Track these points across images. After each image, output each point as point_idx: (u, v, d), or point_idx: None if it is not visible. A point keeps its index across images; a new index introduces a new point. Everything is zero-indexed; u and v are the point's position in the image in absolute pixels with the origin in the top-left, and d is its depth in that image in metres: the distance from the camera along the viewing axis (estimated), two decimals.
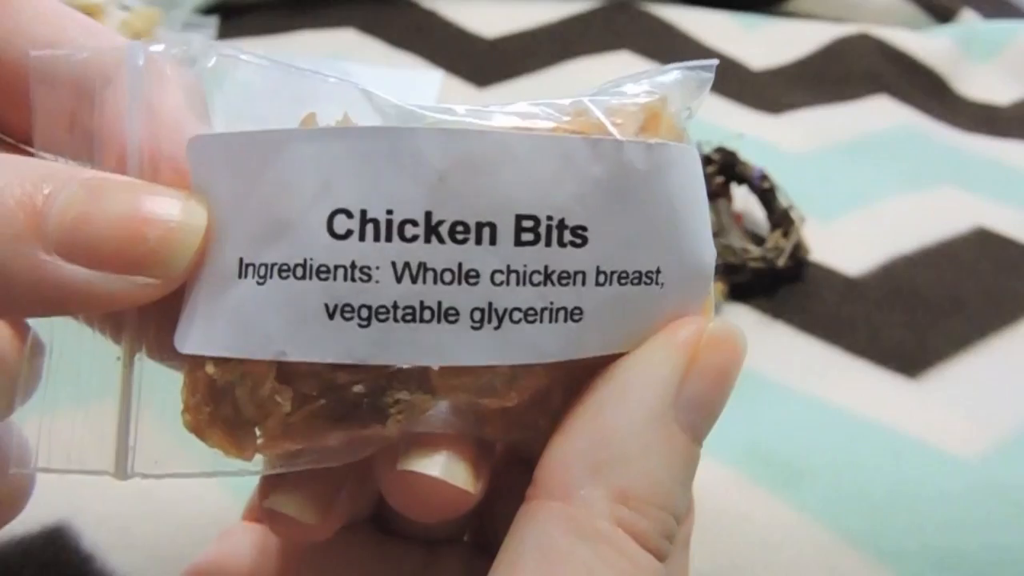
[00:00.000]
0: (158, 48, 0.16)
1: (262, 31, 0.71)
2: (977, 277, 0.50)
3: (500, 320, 0.15)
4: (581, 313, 0.15)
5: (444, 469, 0.16)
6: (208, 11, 0.71)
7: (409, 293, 0.14)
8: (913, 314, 0.47)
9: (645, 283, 0.16)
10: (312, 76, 0.16)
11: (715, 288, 0.50)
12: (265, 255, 0.15)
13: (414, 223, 0.14)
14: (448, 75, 0.67)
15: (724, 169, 0.51)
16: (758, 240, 0.50)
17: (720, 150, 0.52)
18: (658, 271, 0.16)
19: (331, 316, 0.14)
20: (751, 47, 0.75)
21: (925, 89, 0.71)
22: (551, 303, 0.15)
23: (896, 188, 0.57)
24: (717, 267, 0.49)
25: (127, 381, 0.16)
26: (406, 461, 0.16)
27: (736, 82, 0.69)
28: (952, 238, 0.53)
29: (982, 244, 0.53)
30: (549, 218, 0.15)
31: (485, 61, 0.70)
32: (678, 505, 0.16)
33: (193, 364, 0.15)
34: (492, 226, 0.15)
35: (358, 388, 0.15)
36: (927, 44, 0.75)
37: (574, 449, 0.15)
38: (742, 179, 0.52)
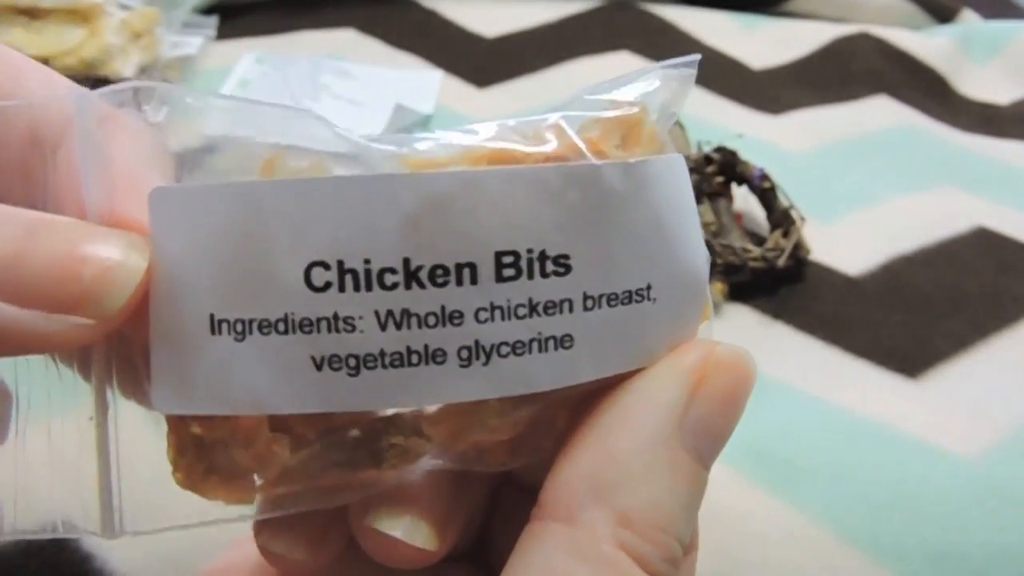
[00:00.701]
0: (107, 93, 0.15)
1: (262, 31, 0.71)
2: (977, 277, 0.50)
3: (488, 356, 0.15)
4: (572, 340, 0.15)
5: (406, 531, 0.16)
6: (208, 11, 0.71)
7: (395, 340, 0.14)
8: (913, 314, 0.47)
9: (636, 301, 0.15)
10: (268, 108, 0.15)
11: (715, 288, 0.50)
12: (240, 311, 0.14)
13: (393, 271, 0.14)
14: (448, 75, 0.67)
15: (724, 169, 0.51)
16: (758, 240, 0.50)
17: (720, 150, 0.52)
18: (648, 287, 0.16)
19: (319, 368, 0.14)
20: (751, 47, 0.75)
21: (925, 89, 0.71)
22: (539, 334, 0.15)
23: (896, 188, 0.57)
24: (717, 267, 0.49)
25: (103, 437, 0.15)
26: (372, 517, 0.17)
27: (736, 82, 0.69)
28: (952, 238, 0.53)
29: (982, 244, 0.53)
30: (529, 251, 0.15)
31: (485, 61, 0.70)
32: (682, 530, 0.15)
33: (176, 424, 0.15)
34: (472, 266, 0.14)
35: (354, 433, 0.15)
36: (927, 44, 0.75)
37: (578, 471, 0.15)
38: (742, 179, 0.52)
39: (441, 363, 0.15)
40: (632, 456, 0.15)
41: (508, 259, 0.15)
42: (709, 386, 0.16)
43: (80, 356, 0.15)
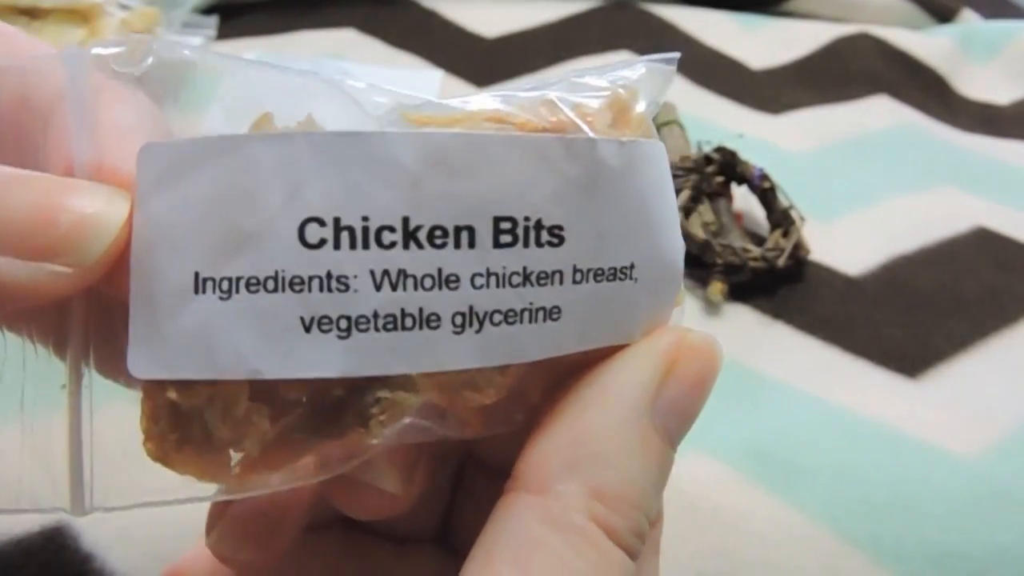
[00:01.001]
0: (100, 51, 0.15)
1: (262, 31, 0.71)
2: (977, 277, 0.50)
3: (481, 323, 0.15)
4: (559, 312, 0.15)
5: (373, 475, 0.17)
6: (208, 11, 0.71)
7: (389, 301, 0.14)
8: (913, 314, 0.47)
9: (620, 279, 0.16)
10: (275, 69, 0.15)
11: (715, 288, 0.50)
12: (228, 268, 0.14)
13: (391, 229, 0.14)
14: (448, 75, 0.67)
15: (724, 169, 0.51)
16: (758, 240, 0.50)
17: (720, 150, 0.52)
18: (632, 266, 0.16)
19: (307, 329, 0.14)
20: (751, 47, 0.75)
21: (925, 89, 0.71)
22: (530, 303, 0.15)
23: (896, 188, 0.57)
24: (717, 267, 0.49)
25: (75, 405, 0.15)
26: None
27: (736, 82, 0.69)
28: (952, 238, 0.53)
29: (982, 244, 0.53)
30: (527, 219, 0.15)
31: (485, 61, 0.70)
32: (651, 506, 0.16)
33: (152, 389, 0.14)
34: (471, 229, 0.14)
35: (338, 392, 0.15)
36: (927, 44, 0.75)
37: (554, 445, 0.16)
38: (742, 179, 0.52)
39: (435, 328, 0.14)
40: (607, 432, 0.16)
41: (506, 225, 0.15)
42: (681, 369, 0.16)
43: (56, 331, 0.15)
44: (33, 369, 0.15)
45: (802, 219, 0.50)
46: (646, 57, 0.18)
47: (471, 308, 0.14)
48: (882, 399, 0.41)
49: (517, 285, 0.15)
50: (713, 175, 0.51)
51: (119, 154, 0.14)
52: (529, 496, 0.15)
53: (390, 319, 0.14)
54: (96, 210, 0.14)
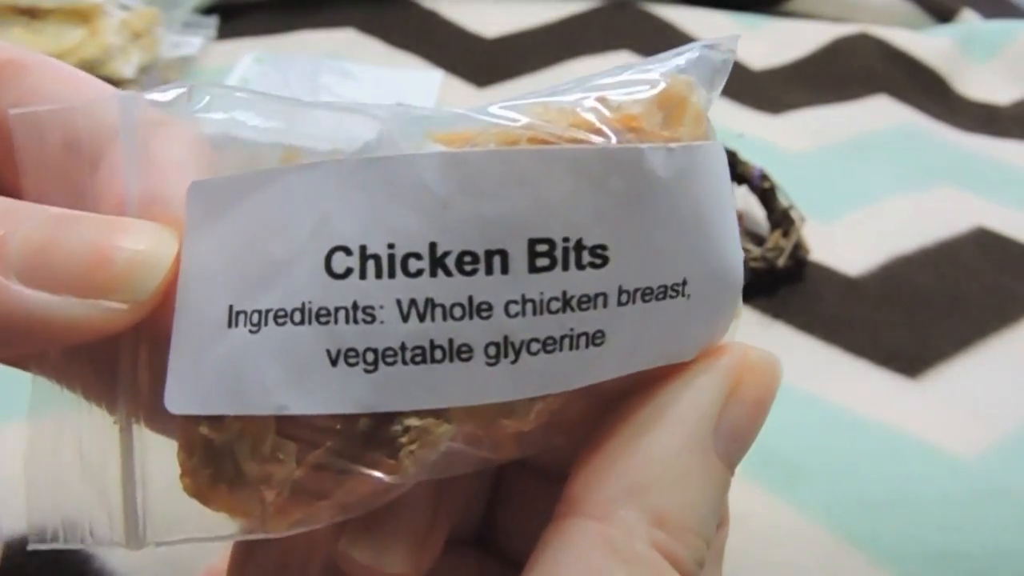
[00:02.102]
0: (153, 97, 0.15)
1: (262, 31, 0.71)
2: (977, 277, 0.50)
3: (517, 353, 0.14)
4: (603, 336, 0.14)
5: (375, 555, 0.16)
6: (208, 11, 0.71)
7: (417, 332, 0.13)
8: (913, 314, 0.47)
9: (671, 296, 0.15)
10: (311, 107, 0.15)
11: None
12: (258, 301, 0.14)
13: (418, 256, 0.13)
14: (448, 75, 0.67)
15: None
16: (758, 240, 0.50)
17: None
18: (684, 282, 0.15)
19: (334, 363, 0.13)
20: (751, 47, 0.75)
21: (925, 89, 0.71)
22: (571, 330, 0.14)
23: (896, 188, 0.57)
24: None
25: (127, 445, 0.15)
26: (344, 540, 0.16)
27: (736, 82, 0.69)
28: (952, 238, 0.53)
29: (982, 244, 0.53)
30: (565, 240, 0.14)
31: (485, 61, 0.70)
32: (710, 532, 0.16)
33: (187, 424, 0.14)
34: (503, 254, 0.13)
35: (364, 421, 0.14)
36: (927, 44, 0.75)
37: (613, 470, 0.15)
38: (742, 179, 0.52)
39: (466, 360, 0.13)
40: (669, 458, 0.15)
41: (542, 247, 0.14)
42: (743, 392, 0.16)
43: (106, 375, 0.15)
44: (88, 408, 0.15)
45: (802, 219, 0.50)
46: (703, 42, 0.16)
47: (506, 338, 0.14)
48: (882, 399, 0.41)
49: (556, 311, 0.14)
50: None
51: (170, 191, 0.15)
52: (589, 523, 0.15)
53: (419, 351, 0.13)
54: (148, 247, 0.14)
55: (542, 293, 0.14)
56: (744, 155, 0.52)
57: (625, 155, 0.14)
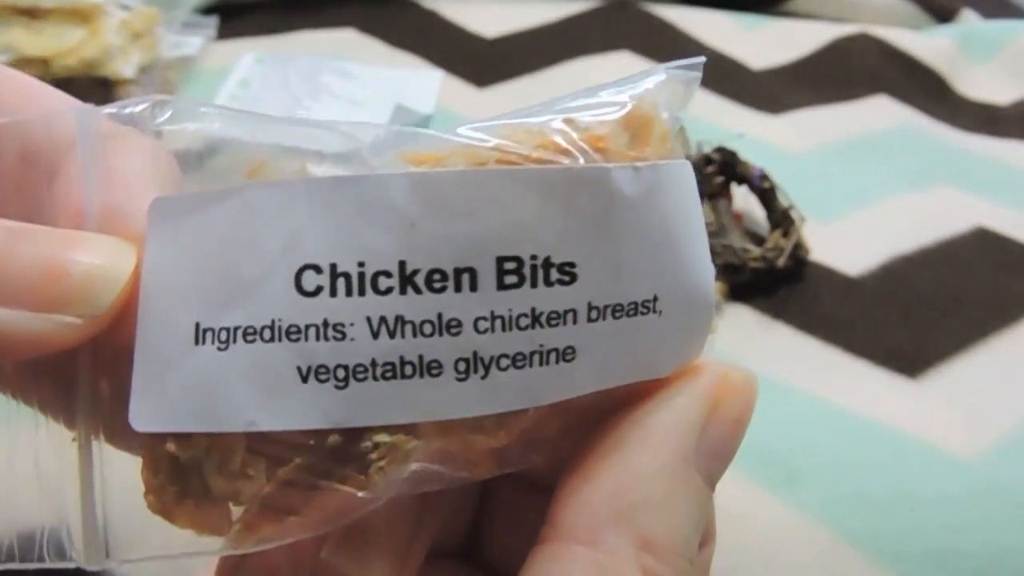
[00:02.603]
0: (111, 110, 0.15)
1: (262, 31, 0.71)
2: (977, 277, 0.50)
3: (487, 368, 0.14)
4: (574, 352, 0.14)
5: (358, 566, 0.16)
6: (207, 11, 0.71)
7: (388, 349, 0.14)
8: (913, 314, 0.47)
9: (642, 313, 0.15)
10: (278, 122, 0.15)
11: (715, 288, 0.50)
12: (226, 318, 0.14)
13: (388, 274, 0.14)
14: (448, 75, 0.67)
15: (724, 169, 0.51)
16: (758, 240, 0.50)
17: (720, 150, 0.52)
18: (655, 299, 0.15)
19: (304, 379, 0.14)
20: (751, 47, 0.75)
21: (925, 89, 0.71)
22: (540, 346, 0.14)
23: (896, 188, 0.57)
24: (717, 267, 0.49)
25: (86, 460, 0.15)
26: (327, 549, 0.16)
27: (736, 82, 0.69)
28: (952, 238, 0.53)
29: (982, 244, 0.53)
30: (533, 257, 0.14)
31: (485, 61, 0.70)
32: (694, 550, 0.16)
33: (152, 441, 0.14)
34: (472, 271, 0.14)
35: (334, 438, 0.14)
36: (927, 44, 0.75)
37: (599, 493, 0.15)
38: (742, 179, 0.52)
39: (436, 375, 0.14)
40: (654, 479, 0.15)
41: (511, 265, 0.14)
42: (723, 410, 0.16)
43: (63, 390, 0.15)
44: (45, 422, 0.15)
45: (802, 219, 0.50)
46: (668, 64, 0.17)
47: (475, 353, 0.14)
48: (882, 399, 0.41)
49: (525, 327, 0.14)
50: (713, 175, 0.51)
51: (130, 205, 0.15)
52: (577, 548, 0.15)
53: (389, 367, 0.14)
54: (104, 261, 0.14)
55: (511, 310, 0.14)
56: (744, 155, 0.52)
57: (592, 174, 0.14)
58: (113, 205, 0.15)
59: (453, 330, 0.14)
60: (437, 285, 0.14)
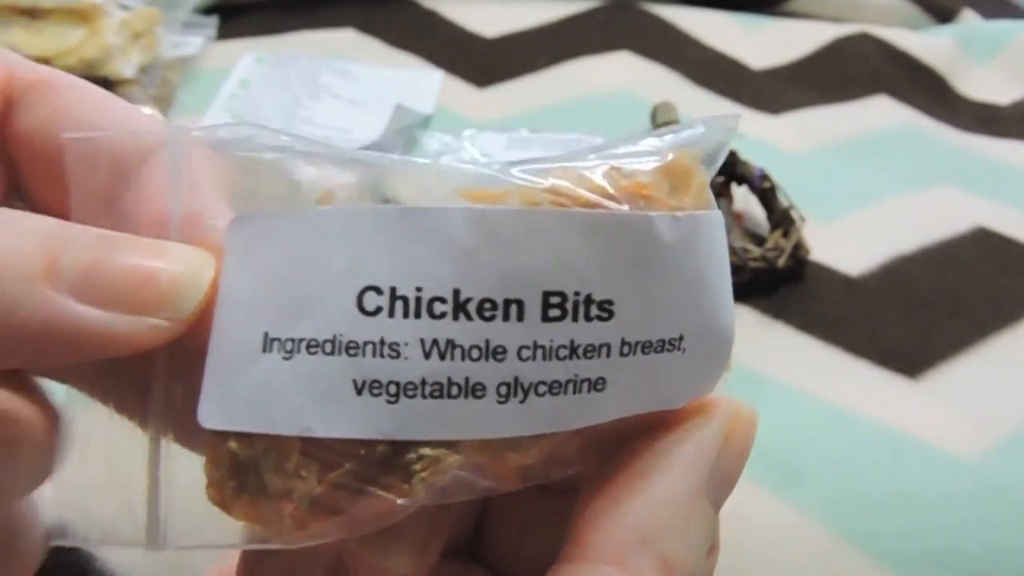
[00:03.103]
0: (199, 134, 0.16)
1: (262, 31, 0.71)
2: (977, 277, 0.50)
3: (526, 394, 0.15)
4: (604, 383, 0.15)
5: (384, 556, 0.17)
6: (208, 11, 0.71)
7: (437, 370, 0.15)
8: (913, 314, 0.47)
9: (668, 350, 0.16)
10: (345, 155, 0.16)
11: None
12: (293, 330, 0.15)
13: (443, 300, 0.15)
14: (448, 75, 0.67)
15: (724, 169, 0.51)
16: (758, 240, 0.50)
17: None
18: (681, 338, 0.16)
19: (359, 392, 0.15)
20: (751, 47, 0.75)
21: (925, 89, 0.71)
22: (576, 375, 0.15)
23: (896, 188, 0.57)
24: None
25: (155, 455, 0.16)
26: (356, 540, 0.17)
27: (736, 82, 0.69)
28: (952, 238, 0.53)
29: (982, 244, 0.53)
30: (576, 293, 0.15)
31: (485, 61, 0.70)
32: (704, 566, 0.17)
33: (215, 439, 0.15)
34: (520, 303, 0.15)
35: (382, 448, 0.15)
36: (927, 44, 0.75)
37: (624, 516, 0.16)
38: (742, 179, 0.52)
39: (480, 397, 0.15)
40: (675, 505, 0.16)
41: (555, 299, 0.15)
42: (733, 442, 0.17)
43: (139, 390, 0.16)
44: (119, 419, 0.16)
45: (802, 219, 0.50)
46: (705, 117, 0.18)
47: (516, 379, 0.15)
48: (882, 399, 0.41)
49: (564, 358, 0.15)
50: (713, 175, 0.51)
51: (208, 218, 0.16)
52: (605, 568, 0.16)
53: (437, 387, 0.15)
54: (189, 270, 0.15)
55: (552, 340, 0.15)
56: (744, 155, 0.52)
57: (636, 221, 0.16)
58: (193, 217, 0.16)
59: (498, 356, 0.15)
60: (487, 314, 0.15)
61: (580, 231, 0.15)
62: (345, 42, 0.71)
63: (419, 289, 0.15)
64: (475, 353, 0.15)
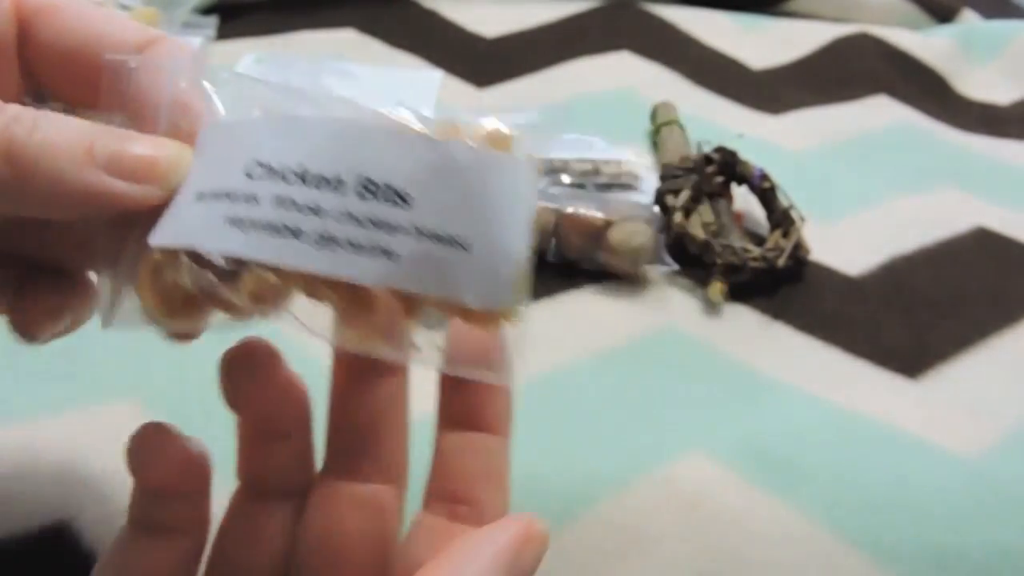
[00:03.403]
0: (192, 64, 0.23)
1: (262, 31, 0.71)
2: (977, 277, 0.50)
3: (337, 244, 0.21)
4: (398, 256, 0.21)
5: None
6: (207, 11, 0.71)
7: (278, 216, 0.21)
8: (913, 314, 0.47)
9: (455, 246, 0.21)
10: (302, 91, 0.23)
11: (715, 288, 0.50)
12: (208, 187, 0.22)
13: (296, 173, 0.21)
14: (448, 75, 0.67)
15: (724, 169, 0.51)
16: (758, 240, 0.50)
17: (720, 150, 0.52)
18: (469, 242, 0.21)
19: (231, 225, 0.21)
20: (751, 47, 0.75)
21: (925, 89, 0.71)
22: (375, 243, 0.21)
23: (896, 188, 0.57)
24: (717, 267, 0.48)
25: (118, 291, 0.23)
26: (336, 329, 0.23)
27: (736, 82, 0.69)
28: (952, 238, 0.53)
29: (982, 244, 0.53)
30: (388, 185, 0.21)
31: (485, 61, 0.70)
32: None
33: (152, 254, 0.22)
34: (342, 182, 0.21)
35: (233, 263, 0.21)
36: (927, 44, 0.75)
37: None
38: (742, 179, 0.52)
39: (303, 241, 0.21)
40: None
41: (371, 186, 0.21)
42: (529, 548, 0.22)
43: (114, 247, 0.23)
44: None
45: (802, 219, 0.50)
46: (539, 106, 0.21)
47: (331, 233, 0.21)
48: (882, 399, 0.41)
49: (367, 227, 0.21)
50: (713, 175, 0.51)
51: (189, 123, 0.23)
52: None
53: (275, 227, 0.21)
54: (178, 156, 0.22)
55: (360, 211, 0.21)
56: (744, 155, 0.52)
57: (438, 143, 0.21)
58: (178, 122, 0.23)
59: (321, 215, 0.21)
60: (320, 184, 0.21)
61: (400, 145, 0.21)
62: (345, 42, 0.71)
63: (282, 164, 0.21)
64: (306, 211, 0.21)
